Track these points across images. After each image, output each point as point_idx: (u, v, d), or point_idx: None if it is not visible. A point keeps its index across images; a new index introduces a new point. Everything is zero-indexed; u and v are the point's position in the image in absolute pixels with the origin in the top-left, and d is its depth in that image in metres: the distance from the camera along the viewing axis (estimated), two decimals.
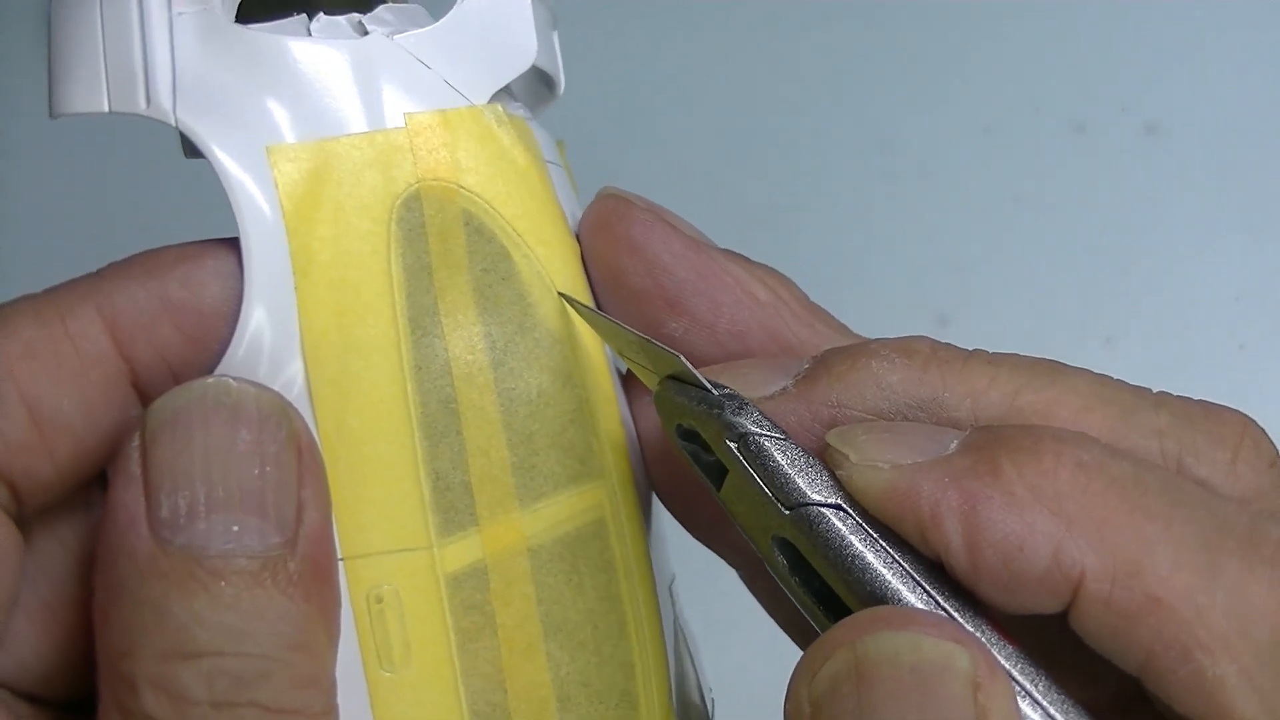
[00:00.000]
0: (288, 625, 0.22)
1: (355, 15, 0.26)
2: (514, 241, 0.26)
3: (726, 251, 0.28)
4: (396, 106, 0.25)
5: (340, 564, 0.24)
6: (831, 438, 0.23)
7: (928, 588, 0.22)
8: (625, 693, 0.26)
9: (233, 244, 0.24)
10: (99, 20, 0.25)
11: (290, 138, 0.25)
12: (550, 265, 0.26)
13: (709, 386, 0.24)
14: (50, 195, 0.63)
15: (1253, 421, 0.24)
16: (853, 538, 0.23)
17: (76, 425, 0.24)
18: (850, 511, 0.23)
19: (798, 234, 0.62)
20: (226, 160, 0.24)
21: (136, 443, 0.23)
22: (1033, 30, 0.64)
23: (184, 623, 0.22)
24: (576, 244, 0.27)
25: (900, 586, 0.22)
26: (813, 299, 0.28)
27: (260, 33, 0.25)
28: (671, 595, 0.28)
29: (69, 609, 0.25)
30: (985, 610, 0.23)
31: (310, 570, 0.23)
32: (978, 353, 0.25)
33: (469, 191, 0.26)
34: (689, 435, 0.25)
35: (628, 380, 0.28)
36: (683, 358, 0.24)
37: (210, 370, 0.24)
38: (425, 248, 0.25)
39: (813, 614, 0.24)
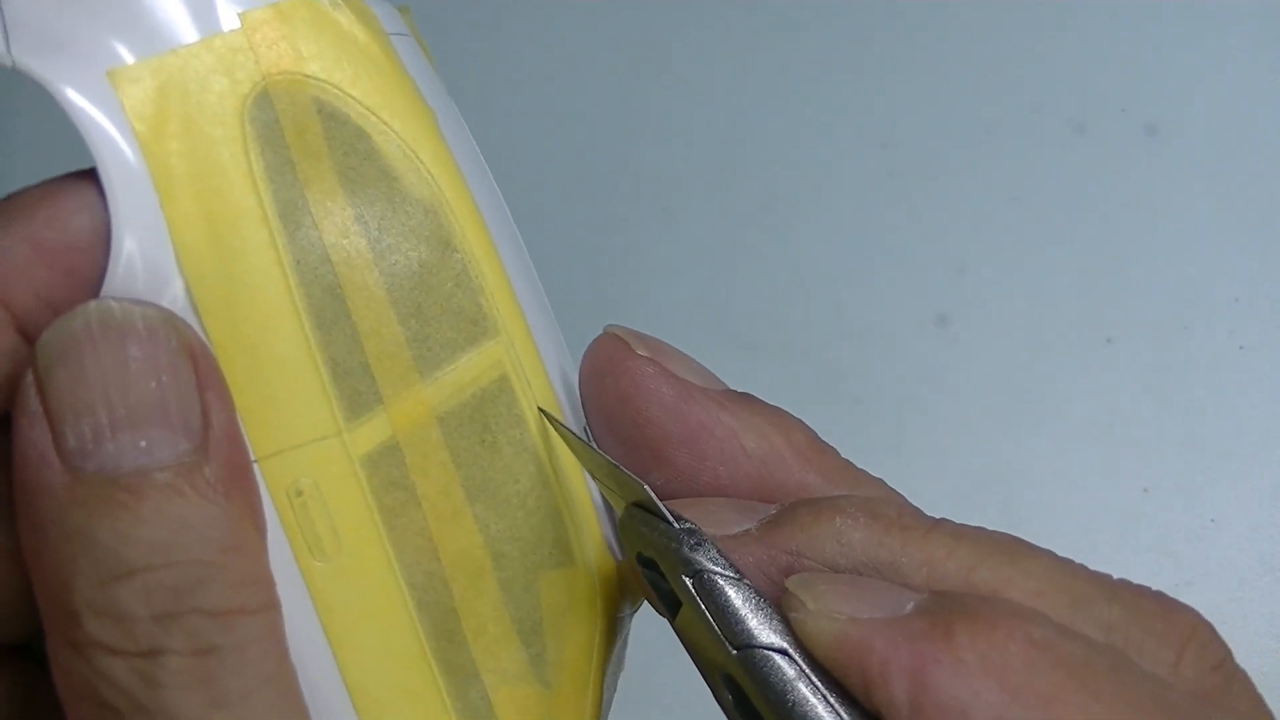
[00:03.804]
0: (214, 529, 0.23)
1: None
2: (369, 120, 0.26)
3: (727, 396, 0.27)
4: (230, 9, 0.25)
5: (255, 466, 0.24)
6: (791, 584, 0.24)
7: None
8: (558, 540, 0.27)
9: (94, 174, 0.24)
10: None
11: (130, 59, 0.24)
12: (408, 136, 0.26)
13: (670, 519, 0.24)
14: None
15: (1204, 622, 0.24)
16: (797, 683, 0.23)
17: None
18: (796, 657, 0.23)
19: (798, 234, 0.62)
20: (70, 93, 0.24)
21: (31, 379, 0.23)
22: (1033, 30, 0.64)
23: (111, 545, 0.22)
24: (431, 111, 0.27)
25: None
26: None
27: None
28: (589, 434, 0.28)
29: None
30: None
31: (226, 471, 0.23)
32: (942, 523, 0.25)
33: (316, 79, 0.26)
34: (649, 563, 0.25)
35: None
36: (647, 487, 0.24)
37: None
38: (283, 142, 0.25)
39: None
